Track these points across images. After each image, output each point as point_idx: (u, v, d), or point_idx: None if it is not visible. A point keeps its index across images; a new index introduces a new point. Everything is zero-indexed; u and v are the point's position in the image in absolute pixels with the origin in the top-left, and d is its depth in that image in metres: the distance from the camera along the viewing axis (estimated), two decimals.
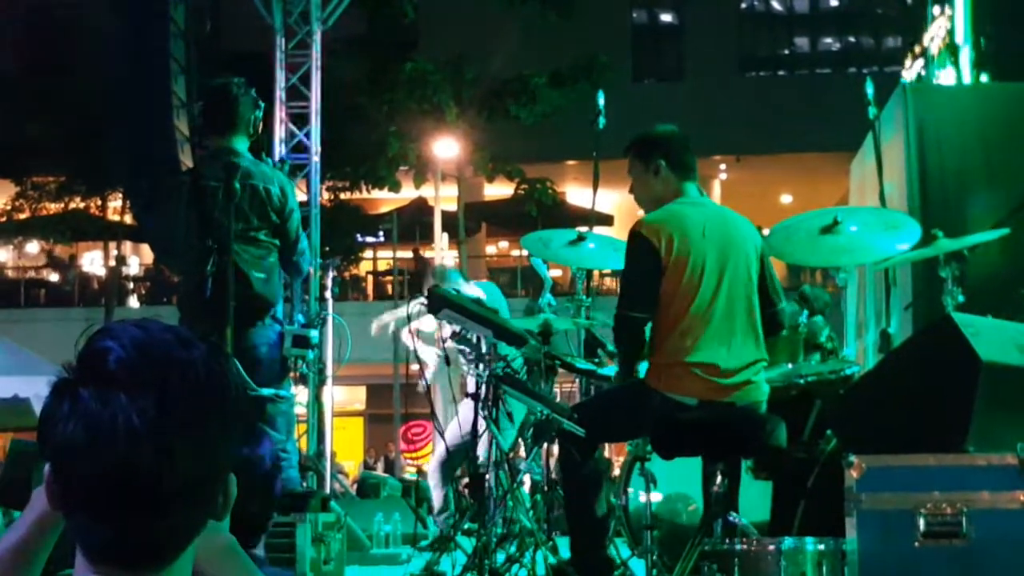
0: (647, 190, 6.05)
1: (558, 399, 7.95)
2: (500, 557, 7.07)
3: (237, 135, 7.09)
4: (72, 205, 34.83)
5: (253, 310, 6.95)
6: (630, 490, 6.74)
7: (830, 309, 9.10)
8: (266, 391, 6.86)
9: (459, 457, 9.30)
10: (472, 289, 9.45)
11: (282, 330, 7.12)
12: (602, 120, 8.00)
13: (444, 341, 8.66)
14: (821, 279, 20.56)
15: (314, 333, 7.23)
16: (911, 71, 12.14)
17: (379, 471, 26.41)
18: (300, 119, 13.27)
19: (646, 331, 5.83)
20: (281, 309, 7.22)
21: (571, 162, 36.54)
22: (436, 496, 10.13)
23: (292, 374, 7.71)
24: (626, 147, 6.13)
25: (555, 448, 7.10)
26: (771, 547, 5.14)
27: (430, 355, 10.03)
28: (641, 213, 6.07)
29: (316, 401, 12.60)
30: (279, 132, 13.24)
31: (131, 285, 37.89)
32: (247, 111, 7.11)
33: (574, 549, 6.17)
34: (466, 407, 8.62)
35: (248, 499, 3.02)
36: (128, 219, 33.89)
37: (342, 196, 34.18)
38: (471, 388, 8.79)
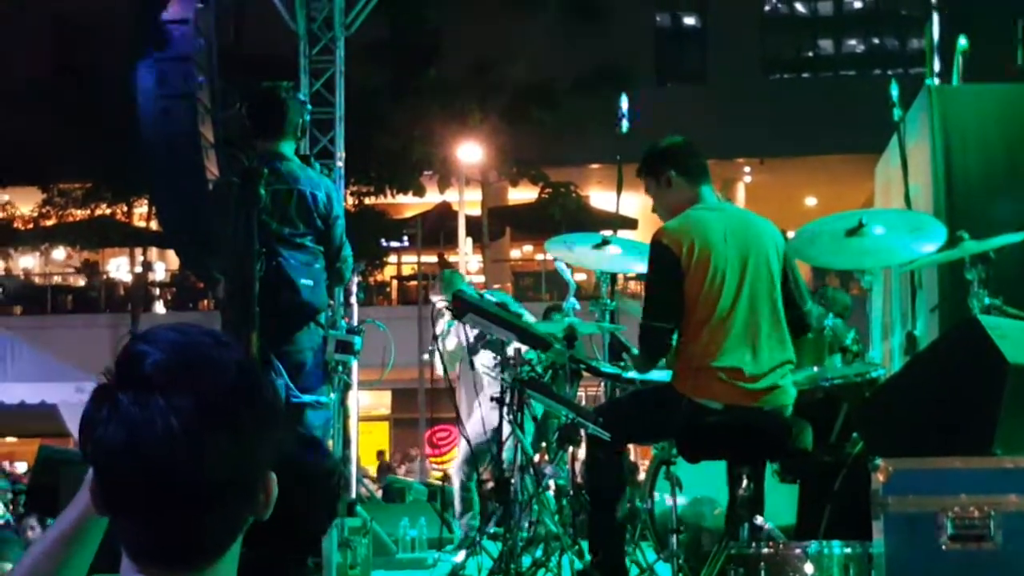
0: (664, 203, 6.08)
1: (583, 403, 7.95)
2: (526, 561, 7.07)
3: (285, 139, 7.08)
4: (98, 212, 34.98)
5: (300, 316, 6.94)
6: (656, 494, 6.74)
7: (849, 312, 9.09)
8: (307, 397, 6.86)
9: (483, 456, 9.31)
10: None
11: (326, 335, 7.11)
12: (626, 124, 7.99)
13: (469, 345, 8.67)
14: (838, 282, 20.50)
15: (358, 339, 7.22)
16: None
17: (401, 474, 26.38)
18: (324, 125, 13.28)
19: (672, 339, 5.84)
20: (325, 314, 7.21)
21: (595, 166, 36.51)
22: (458, 497, 10.14)
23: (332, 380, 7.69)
24: (637, 170, 6.17)
25: (580, 452, 7.10)
26: (797, 551, 5.13)
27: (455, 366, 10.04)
28: None
29: (341, 406, 12.62)
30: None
31: (157, 291, 37.99)
32: (295, 115, 7.11)
33: (593, 551, 6.17)
34: (489, 406, 8.64)
35: (313, 507, 3.04)
36: (154, 225, 34.00)
37: (366, 201, 34.24)
38: (488, 388, 8.82)
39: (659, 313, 5.85)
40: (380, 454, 31.18)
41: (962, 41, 9.16)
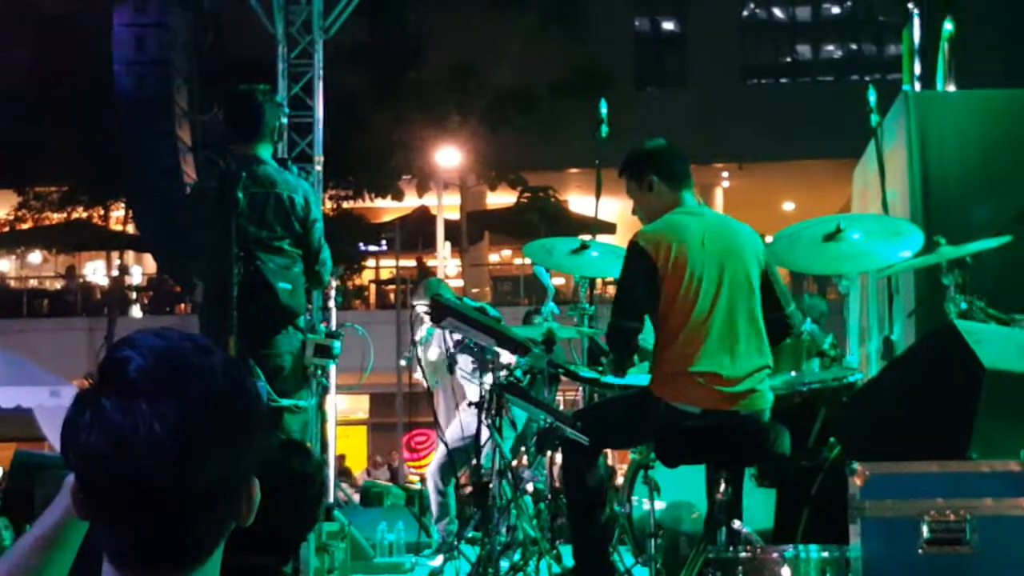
0: (645, 207, 6.08)
1: (562, 408, 7.95)
2: (504, 566, 7.07)
3: (262, 142, 7.05)
4: (75, 215, 34.89)
5: (279, 320, 6.93)
6: (634, 498, 6.75)
7: (825, 319, 9.11)
8: (286, 401, 6.85)
9: (460, 460, 9.32)
10: None
11: (304, 339, 7.10)
12: (605, 128, 8.00)
13: (448, 349, 8.68)
14: (816, 287, 20.55)
15: (336, 343, 7.21)
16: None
17: (382, 480, 26.37)
18: (303, 128, 13.27)
19: (638, 340, 5.86)
20: (303, 318, 7.20)
21: (574, 170, 36.54)
22: (434, 502, 10.10)
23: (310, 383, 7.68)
24: (619, 171, 6.17)
25: (558, 456, 7.11)
26: (775, 555, 5.15)
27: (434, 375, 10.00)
28: None
29: (320, 410, 12.59)
30: (282, 141, 13.22)
31: (134, 295, 37.87)
32: (272, 118, 7.08)
33: (577, 557, 6.17)
34: (468, 411, 8.67)
35: (293, 512, 3.04)
36: (131, 229, 33.94)
37: (345, 205, 34.23)
38: (469, 394, 8.86)
39: (627, 312, 5.87)
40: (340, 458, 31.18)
41: (948, 26, 9.16)
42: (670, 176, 6.03)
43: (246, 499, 1.83)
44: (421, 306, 7.89)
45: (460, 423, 9.19)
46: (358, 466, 32.01)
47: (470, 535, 7.73)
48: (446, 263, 35.01)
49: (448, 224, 34.18)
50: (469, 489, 7.77)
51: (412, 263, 36.37)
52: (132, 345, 1.77)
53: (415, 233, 35.35)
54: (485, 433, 7.26)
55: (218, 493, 1.77)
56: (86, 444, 1.73)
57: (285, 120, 7.32)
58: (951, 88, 9.34)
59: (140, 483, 1.71)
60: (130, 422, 1.71)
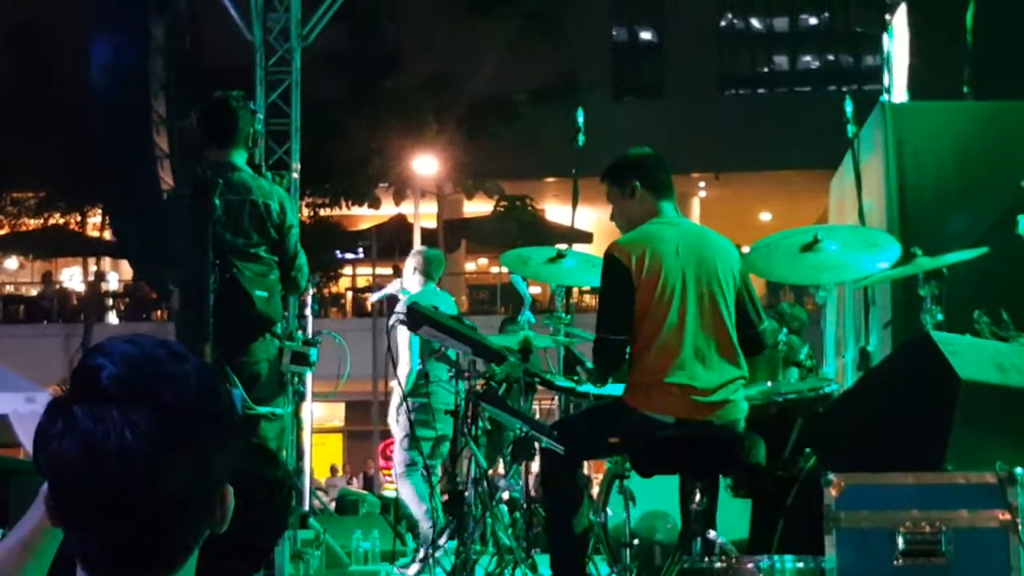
0: (625, 214, 6.08)
1: (537, 416, 7.95)
2: (479, 574, 7.06)
3: (236, 149, 7.04)
4: (51, 221, 34.82)
5: (255, 328, 6.91)
6: (609, 508, 6.74)
7: (806, 328, 9.11)
8: (262, 409, 6.83)
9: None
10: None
11: (281, 346, 7.08)
12: (582, 138, 7.99)
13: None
14: (793, 297, 20.59)
15: (313, 351, 7.20)
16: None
17: (355, 487, 26.37)
18: (280, 136, 13.24)
19: (625, 352, 5.85)
20: (280, 325, 7.18)
21: (551, 179, 36.58)
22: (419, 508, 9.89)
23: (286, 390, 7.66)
24: (602, 175, 6.16)
25: (534, 465, 7.10)
26: (750, 565, 5.15)
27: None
28: None
29: (295, 417, 12.58)
30: (259, 148, 13.20)
31: (110, 301, 37.78)
32: (246, 124, 7.07)
33: (554, 567, 6.16)
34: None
35: (263, 519, 3.02)
36: (107, 235, 33.86)
37: (322, 213, 34.21)
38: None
39: (612, 326, 5.86)
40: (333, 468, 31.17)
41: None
42: (653, 185, 6.03)
43: (220, 505, 1.83)
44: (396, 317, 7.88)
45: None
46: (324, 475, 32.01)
47: (445, 544, 7.71)
48: None
49: (425, 232, 34.17)
50: (445, 497, 7.75)
51: (389, 271, 36.34)
52: (104, 352, 1.76)
53: (392, 241, 35.33)
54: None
55: (191, 499, 1.76)
56: (58, 452, 1.72)
57: (260, 127, 7.30)
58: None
59: (112, 490, 1.70)
60: (102, 430, 1.70)
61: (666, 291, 5.74)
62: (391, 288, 10.35)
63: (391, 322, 9.10)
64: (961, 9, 10.11)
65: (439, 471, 9.41)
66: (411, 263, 10.02)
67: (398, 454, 9.80)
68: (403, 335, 9.48)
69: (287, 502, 3.21)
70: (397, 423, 9.63)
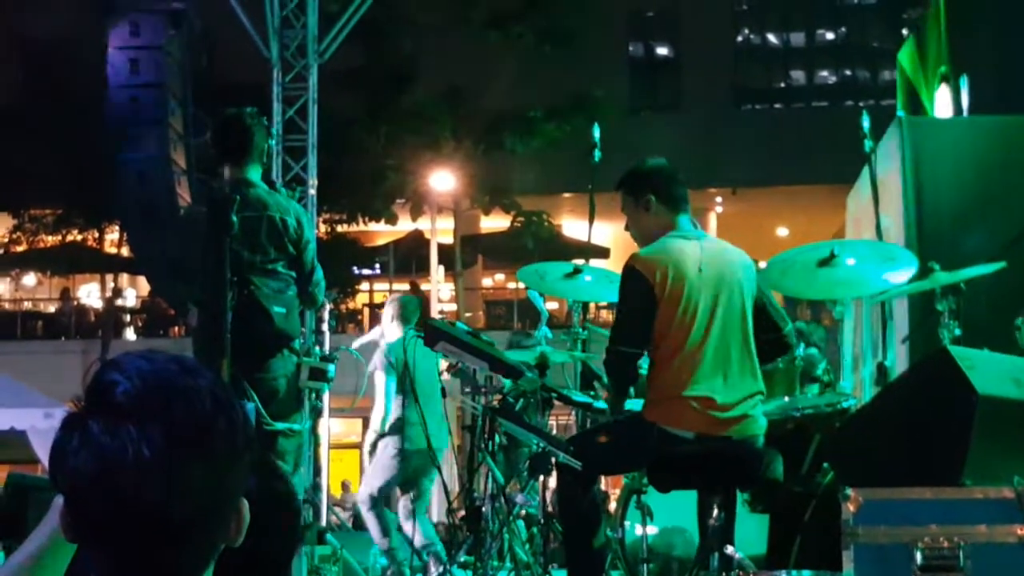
0: (640, 225, 6.06)
1: (554, 432, 7.94)
2: None
3: (252, 164, 7.02)
4: (69, 237, 34.92)
5: (273, 344, 6.90)
6: (626, 523, 6.73)
7: (825, 344, 9.09)
8: (280, 425, 6.82)
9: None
10: None
11: (299, 362, 7.07)
12: (598, 153, 7.99)
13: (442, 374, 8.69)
14: (810, 313, 20.56)
15: (331, 367, 7.19)
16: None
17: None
18: (297, 152, 13.28)
19: (638, 365, 5.84)
20: (298, 341, 7.18)
21: (567, 195, 36.54)
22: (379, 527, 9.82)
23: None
24: (617, 184, 6.15)
25: (551, 481, 7.09)
26: None
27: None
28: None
29: (313, 433, 12.58)
30: (275, 165, 13.24)
31: (127, 317, 37.85)
32: (261, 140, 7.06)
33: None
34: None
35: (274, 533, 3.03)
36: (125, 251, 33.95)
37: (339, 229, 34.26)
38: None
39: (627, 338, 5.85)
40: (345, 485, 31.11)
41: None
42: (668, 199, 6.01)
43: (235, 519, 1.83)
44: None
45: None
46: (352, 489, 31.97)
47: (462, 559, 7.71)
48: (440, 287, 35.00)
49: (442, 248, 34.17)
50: (462, 513, 7.74)
51: (406, 287, 36.34)
52: (119, 368, 1.77)
53: (409, 257, 35.36)
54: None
55: (206, 514, 1.77)
56: (74, 467, 1.73)
57: (273, 142, 7.30)
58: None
59: (127, 506, 1.71)
60: (117, 445, 1.70)
61: (688, 309, 5.73)
62: (371, 335, 10.55)
63: (370, 369, 9.40)
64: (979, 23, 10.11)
65: (410, 505, 9.76)
66: (389, 311, 10.37)
67: (361, 491, 10.03)
68: (379, 380, 9.77)
69: (296, 517, 3.21)
70: (369, 463, 9.96)
